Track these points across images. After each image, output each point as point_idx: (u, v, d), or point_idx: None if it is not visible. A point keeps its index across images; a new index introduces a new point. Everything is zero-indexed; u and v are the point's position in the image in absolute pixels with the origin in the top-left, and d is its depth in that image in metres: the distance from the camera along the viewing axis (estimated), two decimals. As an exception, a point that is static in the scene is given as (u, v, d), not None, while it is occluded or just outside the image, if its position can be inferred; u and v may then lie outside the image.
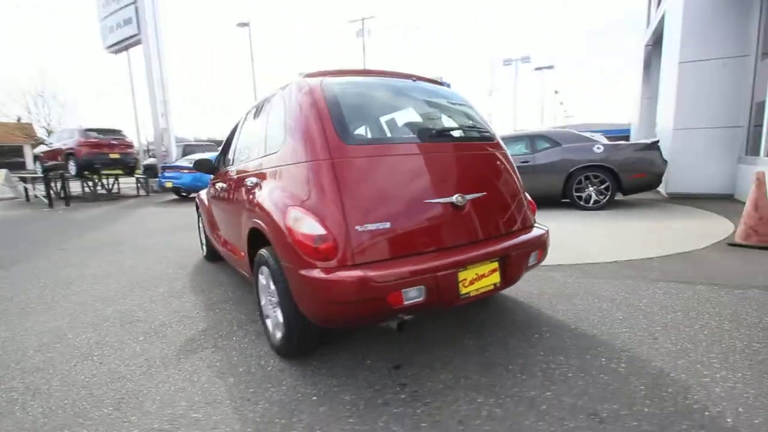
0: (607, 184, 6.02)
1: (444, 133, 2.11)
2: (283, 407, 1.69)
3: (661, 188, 7.45)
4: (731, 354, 1.92)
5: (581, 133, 6.71)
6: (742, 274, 3.06)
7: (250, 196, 2.26)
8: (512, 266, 1.99)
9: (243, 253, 2.52)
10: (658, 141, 6.15)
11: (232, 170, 2.90)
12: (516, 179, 2.28)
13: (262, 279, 2.21)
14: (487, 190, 2.03)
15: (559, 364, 1.91)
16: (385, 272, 1.62)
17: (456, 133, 2.21)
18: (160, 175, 11.14)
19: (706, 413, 1.51)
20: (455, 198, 1.90)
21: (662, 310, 2.46)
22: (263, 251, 2.08)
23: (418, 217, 1.82)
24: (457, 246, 1.89)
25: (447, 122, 2.30)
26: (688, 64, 6.78)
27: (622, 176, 5.96)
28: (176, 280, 3.58)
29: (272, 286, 2.05)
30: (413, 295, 1.68)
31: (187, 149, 13.76)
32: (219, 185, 3.25)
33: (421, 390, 1.76)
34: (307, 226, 1.71)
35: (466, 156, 2.10)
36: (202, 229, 4.26)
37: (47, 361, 2.19)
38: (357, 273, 1.61)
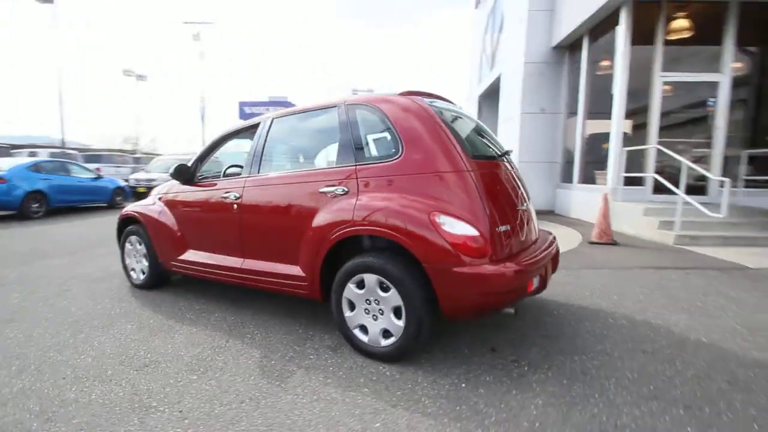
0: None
1: (504, 153, 2.59)
2: (450, 399, 1.83)
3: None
4: (632, 299, 3.00)
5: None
6: (613, 260, 4.52)
7: (339, 205, 2.23)
8: (554, 263, 2.60)
9: (302, 270, 2.39)
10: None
11: (263, 178, 2.66)
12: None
13: (354, 289, 2.20)
14: (526, 200, 2.57)
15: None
16: (529, 264, 2.00)
17: (500, 152, 2.70)
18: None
19: (610, 320, 2.42)
20: (525, 206, 2.42)
21: (584, 287, 3.52)
22: (368, 259, 2.12)
23: (516, 220, 2.25)
24: (532, 244, 2.40)
25: (495, 142, 2.73)
26: (527, 114, 9.17)
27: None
28: (143, 316, 2.90)
29: (381, 293, 2.11)
30: (535, 283, 2.10)
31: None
32: (217, 195, 2.86)
33: (529, 361, 2.16)
34: (461, 228, 1.93)
35: (513, 171, 2.62)
36: (135, 251, 3.49)
37: None
38: (513, 266, 1.93)
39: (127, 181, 12.38)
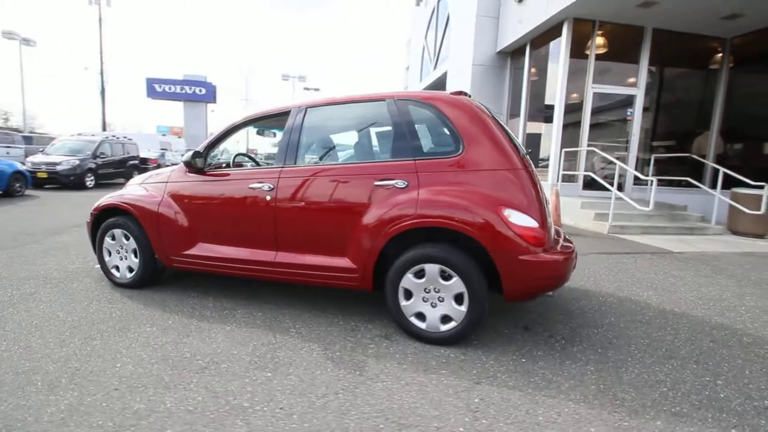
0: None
1: (528, 152, 2.85)
2: (521, 372, 2.05)
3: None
4: (606, 280, 3.58)
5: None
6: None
7: (399, 198, 2.29)
8: None
9: (352, 262, 2.41)
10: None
11: (303, 169, 2.57)
12: None
13: (413, 278, 2.30)
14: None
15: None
16: (572, 253, 2.29)
17: (524, 152, 2.95)
18: None
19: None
20: (547, 202, 2.73)
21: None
22: (430, 249, 2.24)
23: (548, 215, 2.53)
24: (559, 236, 2.72)
25: (519, 142, 2.98)
26: (474, 113, 9.82)
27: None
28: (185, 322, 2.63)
29: (442, 281, 2.24)
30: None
31: None
32: (241, 186, 2.70)
33: (563, 336, 2.48)
34: (525, 221, 2.14)
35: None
36: (118, 247, 3.11)
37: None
38: (563, 254, 2.20)
39: (23, 164, 10.49)
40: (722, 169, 6.91)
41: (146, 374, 1.92)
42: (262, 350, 2.19)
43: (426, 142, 2.40)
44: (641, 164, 8.14)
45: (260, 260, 2.67)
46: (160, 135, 26.55)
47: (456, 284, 2.22)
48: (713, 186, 7.24)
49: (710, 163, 7.96)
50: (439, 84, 12.59)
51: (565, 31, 7.41)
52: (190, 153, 2.81)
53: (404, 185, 2.31)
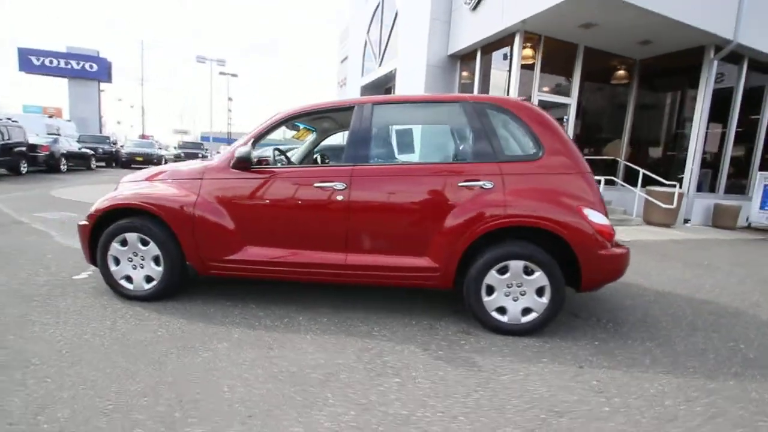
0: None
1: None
2: (608, 355, 2.30)
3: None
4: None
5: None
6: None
7: (486, 199, 2.37)
8: None
9: (433, 261, 2.43)
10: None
11: (380, 168, 2.51)
12: None
13: (496, 274, 2.41)
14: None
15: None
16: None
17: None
18: None
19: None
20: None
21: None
22: (514, 247, 2.37)
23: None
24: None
25: None
26: (427, 112, 10.18)
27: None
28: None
29: (526, 277, 2.40)
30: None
31: None
32: (303, 185, 2.53)
33: (617, 322, 2.83)
34: (599, 218, 2.38)
35: None
36: (132, 253, 2.68)
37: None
38: (626, 249, 2.49)
39: None
40: (642, 170, 8.24)
41: (270, 395, 1.73)
42: (366, 356, 2.11)
43: (507, 145, 2.51)
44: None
45: (327, 263, 2.53)
46: (45, 117, 22.29)
47: (539, 278, 2.39)
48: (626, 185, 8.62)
49: (629, 164, 9.39)
50: (385, 81, 12.75)
51: (518, 41, 8.09)
52: (243, 149, 2.52)
53: (491, 186, 2.40)
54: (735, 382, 2.03)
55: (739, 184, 9.54)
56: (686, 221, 8.42)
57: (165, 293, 2.73)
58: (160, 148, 24.62)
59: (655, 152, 9.72)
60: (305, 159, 3.81)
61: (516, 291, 2.44)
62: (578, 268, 2.38)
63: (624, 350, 2.34)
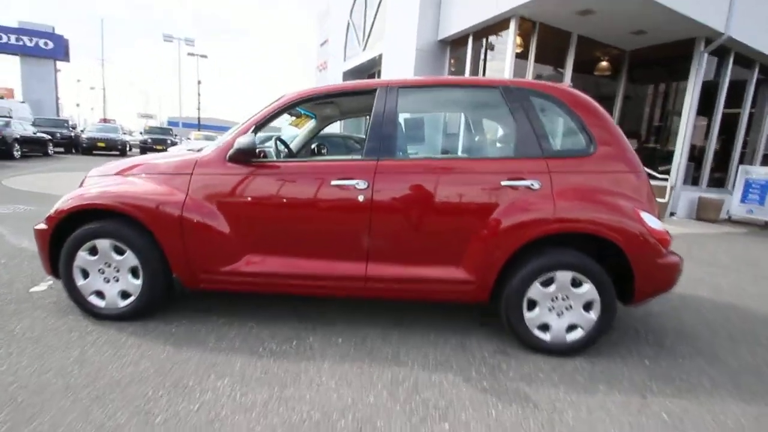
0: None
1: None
2: (665, 379, 2.06)
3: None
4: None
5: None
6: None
7: (532, 200, 2.05)
8: None
9: (468, 272, 2.10)
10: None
11: (409, 164, 2.14)
12: None
13: (540, 287, 2.11)
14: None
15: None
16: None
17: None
18: None
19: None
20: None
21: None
22: (563, 257, 2.08)
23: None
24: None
25: None
26: (416, 100, 9.78)
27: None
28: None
29: (574, 290, 2.11)
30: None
31: None
32: (314, 182, 2.13)
33: (659, 335, 2.60)
34: (656, 224, 2.11)
35: None
36: (103, 264, 2.21)
37: None
38: (679, 256, 2.24)
39: None
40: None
41: (328, 419, 1.37)
42: (401, 393, 1.77)
43: (554, 139, 2.19)
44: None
45: (344, 275, 2.16)
46: (-7, 98, 20.36)
47: (588, 292, 2.10)
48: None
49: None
50: (370, 66, 12.23)
51: (513, 27, 7.78)
52: (245, 138, 2.08)
53: (538, 186, 2.08)
54: (808, 408, 1.83)
55: (718, 178, 9.73)
56: (672, 214, 8.49)
57: (144, 311, 2.28)
58: (125, 134, 23.00)
59: (642, 144, 9.75)
60: (303, 150, 3.38)
61: (561, 305, 2.15)
62: (631, 278, 2.11)
63: (678, 371, 2.10)
